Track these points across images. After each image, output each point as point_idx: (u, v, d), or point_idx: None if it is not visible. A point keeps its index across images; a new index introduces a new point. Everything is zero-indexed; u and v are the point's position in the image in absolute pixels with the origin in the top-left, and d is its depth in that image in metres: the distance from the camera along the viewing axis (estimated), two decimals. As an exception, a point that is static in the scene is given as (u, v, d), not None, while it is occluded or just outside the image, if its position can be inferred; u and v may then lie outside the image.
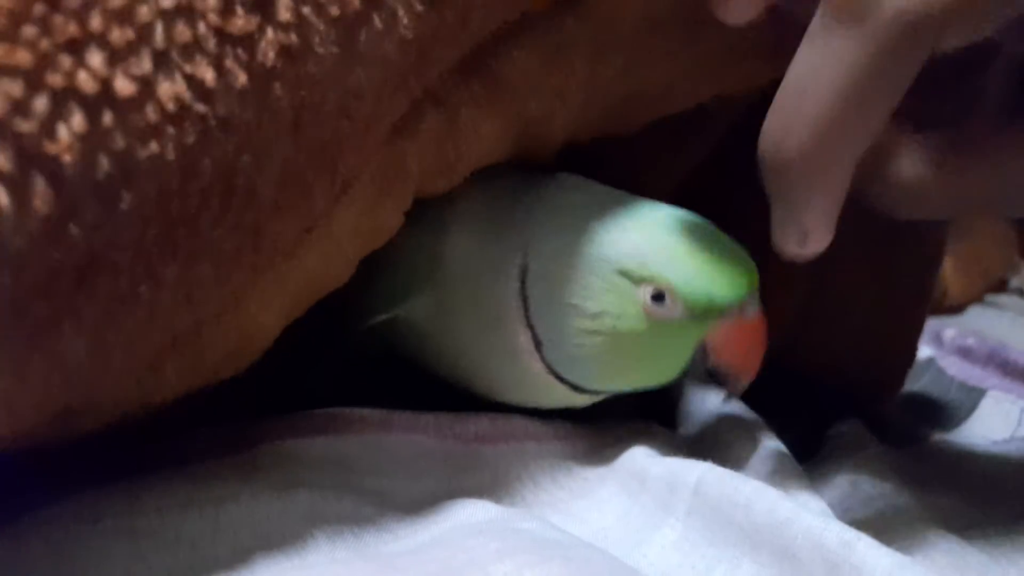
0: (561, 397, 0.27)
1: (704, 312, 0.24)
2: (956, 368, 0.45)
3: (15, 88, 0.13)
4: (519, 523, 0.22)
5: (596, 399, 0.28)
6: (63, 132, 0.13)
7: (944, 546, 0.24)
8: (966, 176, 0.20)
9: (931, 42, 0.17)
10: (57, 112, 0.13)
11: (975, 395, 0.40)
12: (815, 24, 0.19)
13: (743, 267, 0.24)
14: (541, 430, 0.27)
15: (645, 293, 0.24)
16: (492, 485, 0.25)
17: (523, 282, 0.25)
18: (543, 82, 0.25)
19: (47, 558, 0.18)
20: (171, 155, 0.15)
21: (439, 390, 0.31)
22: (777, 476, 0.25)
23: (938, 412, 0.40)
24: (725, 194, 0.39)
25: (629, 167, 0.34)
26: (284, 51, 0.16)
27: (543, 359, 0.26)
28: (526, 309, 0.25)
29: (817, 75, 0.18)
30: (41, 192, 0.13)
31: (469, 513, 0.23)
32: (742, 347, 0.25)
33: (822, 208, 0.19)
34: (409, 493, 0.24)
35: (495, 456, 0.26)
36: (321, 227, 0.20)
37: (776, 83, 0.20)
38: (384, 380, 0.34)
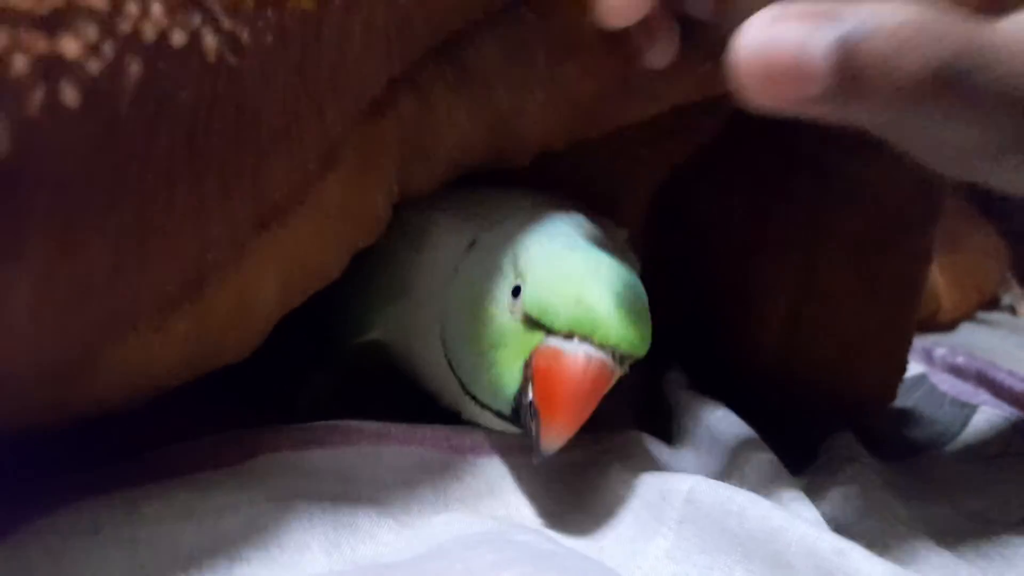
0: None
1: (536, 322, 0.23)
2: (948, 384, 0.45)
3: (91, 32, 0.15)
4: (515, 535, 0.22)
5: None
6: (125, 77, 0.15)
7: (937, 559, 0.24)
8: None
9: None
10: (122, 58, 0.15)
11: (967, 411, 0.40)
12: None
13: (609, 310, 0.22)
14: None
15: (511, 283, 0.24)
16: (488, 497, 0.25)
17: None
18: (507, 72, 0.27)
19: (47, 567, 0.18)
20: (205, 95, 0.17)
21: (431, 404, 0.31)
22: (771, 486, 0.26)
23: (931, 427, 0.40)
24: (709, 198, 0.39)
25: (607, 172, 0.35)
26: (304, 16, 0.19)
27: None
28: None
29: None
30: (100, 132, 0.15)
31: (466, 525, 0.23)
32: (557, 382, 0.22)
33: None
34: (406, 504, 0.24)
35: (491, 468, 0.26)
36: (312, 200, 0.22)
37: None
38: (381, 395, 0.35)
